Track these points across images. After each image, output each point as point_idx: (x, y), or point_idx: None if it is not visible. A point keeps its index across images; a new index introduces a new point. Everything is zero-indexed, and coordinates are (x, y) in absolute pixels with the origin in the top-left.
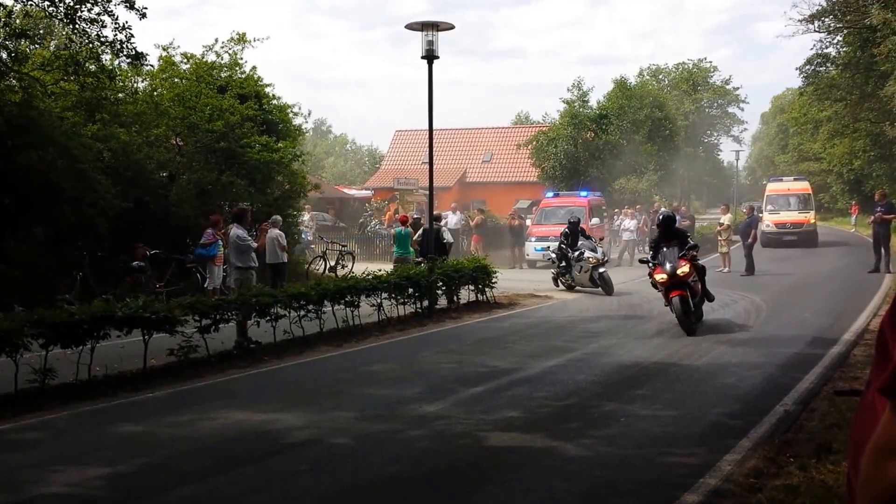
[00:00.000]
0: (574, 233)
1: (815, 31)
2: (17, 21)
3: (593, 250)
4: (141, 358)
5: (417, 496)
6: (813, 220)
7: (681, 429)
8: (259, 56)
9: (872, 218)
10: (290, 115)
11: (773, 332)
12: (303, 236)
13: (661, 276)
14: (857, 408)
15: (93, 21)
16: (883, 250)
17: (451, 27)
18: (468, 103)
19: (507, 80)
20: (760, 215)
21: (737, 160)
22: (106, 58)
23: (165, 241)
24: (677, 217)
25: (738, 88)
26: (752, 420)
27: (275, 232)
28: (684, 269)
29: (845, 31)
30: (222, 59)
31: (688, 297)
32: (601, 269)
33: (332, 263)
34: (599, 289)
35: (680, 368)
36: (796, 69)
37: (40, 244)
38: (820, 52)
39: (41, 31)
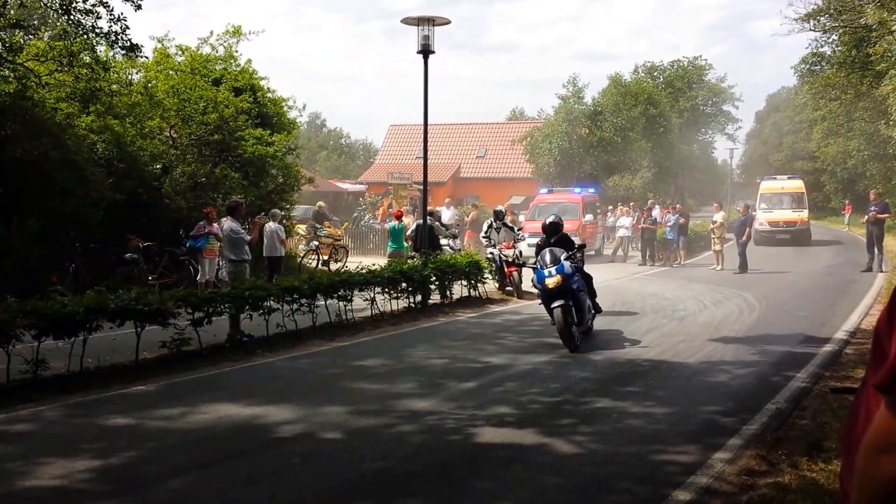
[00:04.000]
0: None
1: (810, 29)
2: (12, 11)
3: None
4: (133, 350)
5: (408, 491)
6: (806, 219)
7: (672, 426)
8: (254, 49)
9: (866, 217)
10: (285, 108)
11: (765, 331)
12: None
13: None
14: (851, 405)
15: (88, 12)
16: (876, 250)
17: (447, 22)
18: (462, 98)
19: (502, 75)
20: (754, 213)
21: (731, 158)
22: (100, 49)
23: (158, 234)
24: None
25: (733, 86)
26: (744, 418)
27: (273, 225)
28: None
29: (840, 31)
30: (217, 51)
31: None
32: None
33: (326, 257)
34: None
35: (672, 365)
36: (791, 68)
37: (33, 235)
38: (815, 50)
39: (35, 22)
